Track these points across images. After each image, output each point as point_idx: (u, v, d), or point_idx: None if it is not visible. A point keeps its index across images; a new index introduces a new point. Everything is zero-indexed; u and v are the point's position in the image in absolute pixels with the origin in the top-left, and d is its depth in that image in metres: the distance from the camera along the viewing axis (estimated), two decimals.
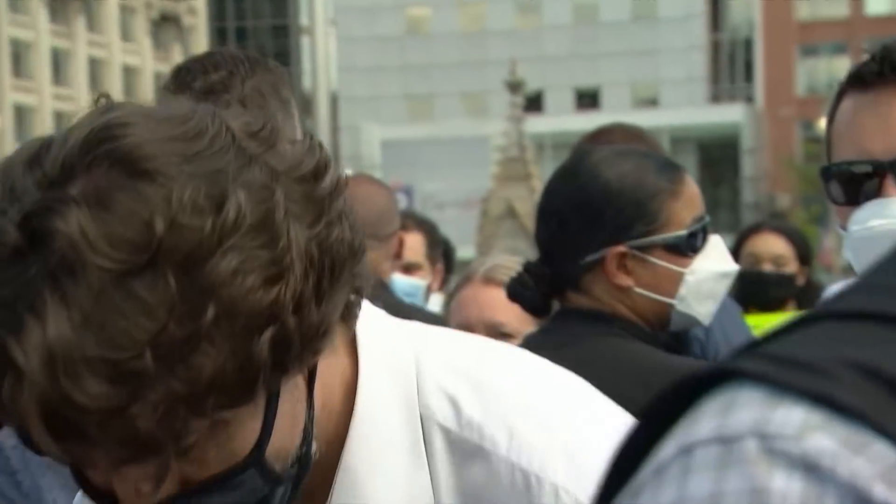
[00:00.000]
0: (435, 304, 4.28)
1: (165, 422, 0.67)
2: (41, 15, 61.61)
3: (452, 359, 0.90)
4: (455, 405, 0.85)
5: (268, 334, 0.68)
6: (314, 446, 0.80)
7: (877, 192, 1.59)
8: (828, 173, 1.69)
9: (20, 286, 0.66)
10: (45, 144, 0.72)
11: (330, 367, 0.82)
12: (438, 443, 0.84)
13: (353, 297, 0.80)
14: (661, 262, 2.03)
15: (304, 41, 54.45)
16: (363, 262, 0.80)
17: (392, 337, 0.89)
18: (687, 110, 62.58)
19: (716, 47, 69.68)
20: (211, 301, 0.66)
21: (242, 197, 0.68)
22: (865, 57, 1.79)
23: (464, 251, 11.42)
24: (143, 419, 0.66)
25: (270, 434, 0.74)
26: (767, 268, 4.36)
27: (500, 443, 0.83)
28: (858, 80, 1.75)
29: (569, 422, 0.87)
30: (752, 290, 4.10)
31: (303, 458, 0.79)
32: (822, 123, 1.86)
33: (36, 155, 0.71)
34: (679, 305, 2.03)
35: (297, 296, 0.70)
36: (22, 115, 61.16)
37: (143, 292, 0.65)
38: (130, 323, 0.65)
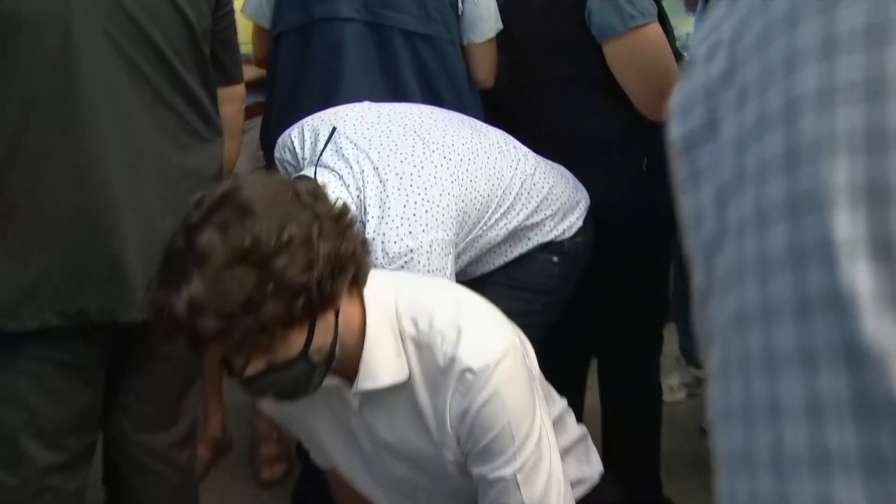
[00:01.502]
0: None
1: (249, 338, 1.19)
2: None
3: (411, 297, 1.44)
4: (415, 324, 1.39)
5: (303, 298, 1.21)
6: (337, 349, 1.32)
7: None
8: None
9: (180, 267, 1.18)
10: (202, 196, 1.26)
11: (350, 308, 1.36)
12: (409, 345, 1.39)
13: (360, 273, 1.36)
14: None
15: None
16: (364, 254, 1.37)
17: (381, 288, 1.42)
18: None
19: None
20: (272, 280, 1.18)
21: (294, 228, 1.21)
22: None
23: None
24: (237, 336, 1.18)
25: (311, 343, 1.27)
26: None
27: (436, 341, 1.36)
28: None
29: (472, 325, 1.37)
30: None
31: (329, 356, 1.31)
32: None
33: (200, 199, 1.24)
34: None
35: (320, 277, 1.23)
36: None
37: (239, 274, 1.16)
38: (230, 288, 1.16)
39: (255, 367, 1.25)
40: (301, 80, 2.25)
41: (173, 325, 1.19)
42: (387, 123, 1.90)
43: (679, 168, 0.56)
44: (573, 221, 1.97)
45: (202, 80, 1.83)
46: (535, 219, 1.93)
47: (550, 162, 2.05)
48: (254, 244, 1.18)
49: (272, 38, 2.30)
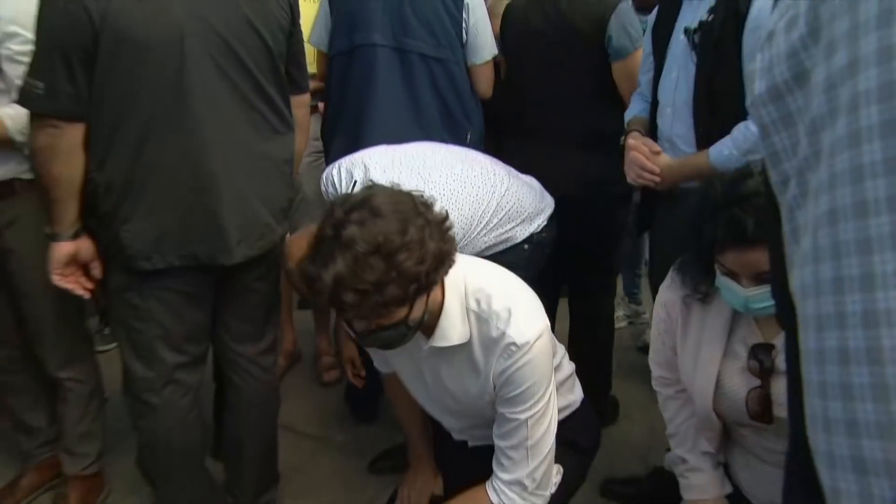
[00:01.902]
0: None
1: (373, 310, 1.22)
2: None
3: (477, 282, 1.43)
4: (478, 302, 1.40)
5: (415, 285, 1.23)
6: (424, 318, 1.35)
7: None
8: None
9: (329, 251, 1.20)
10: (346, 197, 1.31)
11: (437, 287, 1.36)
12: (472, 317, 1.40)
13: (450, 265, 1.35)
14: None
15: None
16: (455, 251, 1.34)
17: (456, 274, 1.39)
18: None
19: None
20: (395, 269, 1.19)
21: (413, 230, 1.22)
22: None
23: None
24: (365, 308, 1.22)
25: (411, 314, 1.28)
26: None
27: (492, 318, 1.38)
28: None
29: (519, 310, 1.39)
30: None
31: (420, 322, 1.34)
32: None
33: (344, 199, 1.29)
34: None
35: (428, 269, 1.24)
36: None
37: (372, 262, 1.18)
38: (365, 272, 1.17)
39: (364, 325, 1.29)
40: (346, 90, 2.23)
41: (318, 292, 1.22)
42: (398, 166, 1.87)
43: (765, 115, 0.55)
44: (540, 223, 1.96)
45: (278, 89, 1.80)
46: (508, 226, 1.90)
47: (522, 177, 2.01)
48: (385, 241, 1.18)
49: (327, 60, 2.30)
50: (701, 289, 1.41)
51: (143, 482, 2.05)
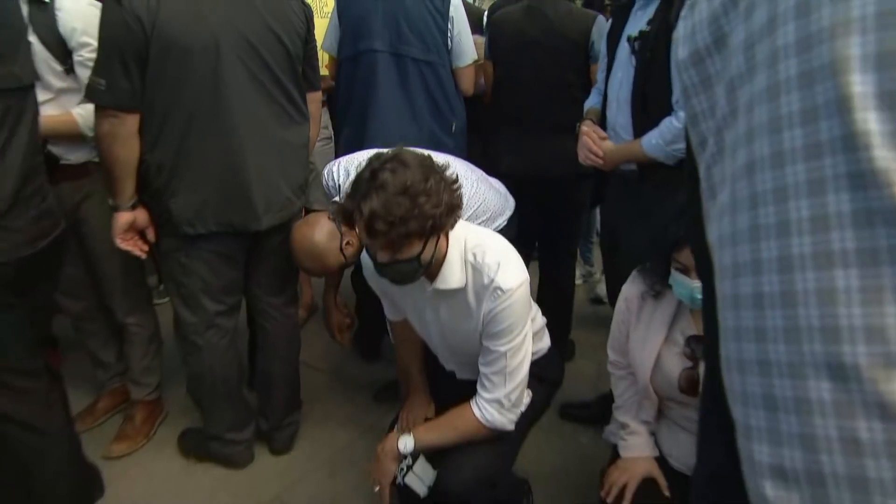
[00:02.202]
0: None
1: (396, 240, 1.21)
2: None
3: (475, 239, 1.42)
4: (474, 256, 1.38)
5: (430, 223, 1.21)
6: (432, 260, 1.33)
7: None
8: None
9: (365, 190, 1.20)
10: (379, 153, 1.28)
11: (442, 238, 1.34)
12: (468, 267, 1.39)
13: (454, 219, 1.33)
14: None
15: None
16: (460, 207, 1.31)
17: (458, 230, 1.38)
18: None
19: None
20: (417, 208, 1.19)
21: (432, 181, 1.22)
22: None
23: None
24: (393, 236, 1.20)
25: (422, 253, 1.26)
26: None
27: (485, 268, 1.37)
28: None
29: (506, 265, 1.37)
30: None
31: (428, 263, 1.31)
32: None
33: (378, 154, 1.27)
34: None
35: (441, 213, 1.23)
36: None
37: (400, 201, 1.18)
38: (393, 208, 1.17)
39: (386, 257, 1.27)
40: (352, 89, 2.21)
41: (349, 220, 1.27)
42: None
43: (686, 79, 0.49)
44: (500, 222, 1.90)
45: (296, 86, 1.79)
46: (475, 222, 1.81)
47: (491, 180, 1.96)
48: (411, 185, 1.19)
49: (337, 63, 2.27)
50: (656, 287, 1.41)
51: (194, 407, 2.09)
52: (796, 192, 0.36)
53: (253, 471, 2.03)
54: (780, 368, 0.37)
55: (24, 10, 1.52)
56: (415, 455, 1.50)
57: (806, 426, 0.36)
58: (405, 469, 1.50)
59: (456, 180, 1.31)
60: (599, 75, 1.97)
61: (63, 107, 1.80)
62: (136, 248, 1.73)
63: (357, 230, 1.28)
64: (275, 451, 2.09)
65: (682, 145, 1.60)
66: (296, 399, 2.12)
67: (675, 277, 1.33)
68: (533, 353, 1.51)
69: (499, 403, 1.42)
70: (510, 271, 1.36)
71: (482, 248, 1.39)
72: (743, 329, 0.40)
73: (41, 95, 1.57)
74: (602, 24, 2.15)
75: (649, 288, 1.43)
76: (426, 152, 1.34)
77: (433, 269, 1.38)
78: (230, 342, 1.89)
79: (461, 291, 1.41)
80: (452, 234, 1.39)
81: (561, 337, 2.45)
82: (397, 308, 1.65)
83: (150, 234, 1.74)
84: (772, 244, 0.37)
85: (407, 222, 1.20)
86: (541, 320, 1.65)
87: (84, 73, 1.72)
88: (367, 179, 1.22)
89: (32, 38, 1.67)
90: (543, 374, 1.61)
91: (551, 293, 2.47)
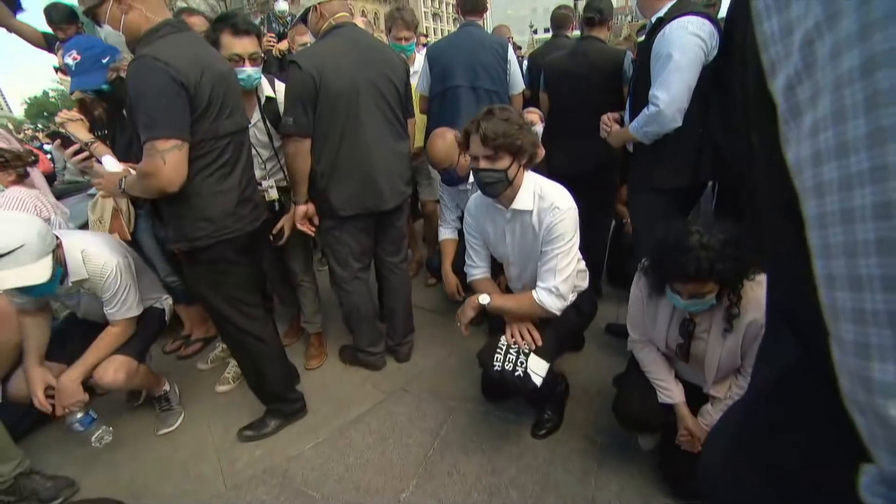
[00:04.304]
0: None
1: (498, 150, 1.30)
2: None
3: (542, 182, 1.42)
4: (541, 188, 1.40)
5: (517, 144, 1.28)
6: (513, 181, 1.35)
7: None
8: None
9: (477, 123, 1.30)
10: (486, 108, 1.34)
11: (521, 173, 1.38)
12: (537, 197, 1.40)
13: (531, 158, 1.37)
14: None
15: None
16: (539, 148, 1.36)
17: (532, 175, 1.42)
18: None
19: None
20: (511, 135, 1.28)
21: (521, 121, 1.30)
22: None
23: None
24: (494, 144, 1.29)
25: (509, 168, 1.32)
26: None
27: (546, 197, 1.38)
28: None
29: (562, 197, 1.39)
30: None
31: (510, 181, 1.34)
32: None
33: (486, 109, 1.35)
34: None
35: (524, 144, 1.30)
36: None
37: (503, 126, 1.27)
38: (500, 130, 1.27)
39: (486, 164, 1.32)
40: (442, 115, 2.19)
41: (469, 137, 1.34)
42: None
43: (759, 3, 0.33)
44: None
45: (403, 114, 1.82)
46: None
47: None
48: (510, 119, 1.29)
49: (428, 100, 2.25)
50: (654, 295, 1.34)
51: (347, 332, 2.17)
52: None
53: (385, 371, 2.11)
54: (867, 248, 0.27)
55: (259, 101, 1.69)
56: (527, 353, 1.44)
57: None
58: (515, 361, 1.41)
59: (535, 134, 1.35)
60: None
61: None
62: (309, 229, 1.81)
63: (470, 148, 1.34)
64: (398, 360, 2.15)
65: (652, 129, 1.57)
66: (410, 326, 2.15)
67: (670, 294, 1.25)
68: (575, 287, 1.50)
69: (549, 291, 1.42)
70: (564, 199, 1.40)
71: (546, 187, 1.43)
72: (861, 243, 0.27)
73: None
74: (629, 56, 2.09)
75: (649, 295, 1.36)
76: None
77: (512, 190, 1.40)
78: (367, 288, 1.95)
79: (529, 214, 1.42)
80: (527, 174, 1.42)
81: (596, 275, 2.39)
82: (483, 251, 1.60)
83: (315, 219, 1.81)
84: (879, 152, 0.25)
85: (505, 139, 1.28)
86: (582, 265, 1.59)
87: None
88: (484, 112, 1.31)
89: (259, 119, 1.81)
90: (582, 306, 1.58)
91: (592, 245, 2.30)
